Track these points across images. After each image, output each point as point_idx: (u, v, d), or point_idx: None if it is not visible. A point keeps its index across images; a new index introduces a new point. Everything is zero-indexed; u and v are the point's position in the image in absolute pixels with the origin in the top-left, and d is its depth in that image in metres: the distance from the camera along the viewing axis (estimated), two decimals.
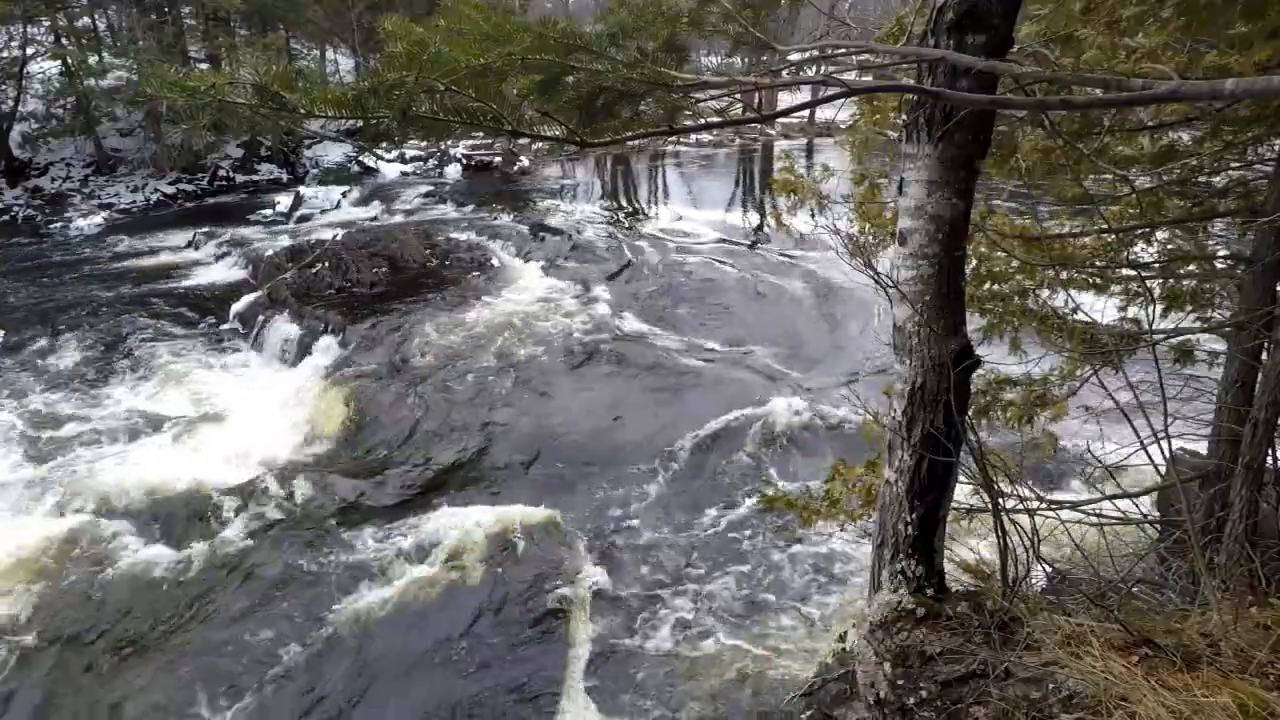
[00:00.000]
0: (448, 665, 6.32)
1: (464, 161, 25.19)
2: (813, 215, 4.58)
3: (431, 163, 25.41)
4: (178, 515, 8.10)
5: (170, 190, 22.14)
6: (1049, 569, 2.90)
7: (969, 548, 2.95)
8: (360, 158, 25.39)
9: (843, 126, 5.52)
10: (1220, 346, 4.67)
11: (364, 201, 20.95)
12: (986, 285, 4.93)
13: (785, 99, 16.69)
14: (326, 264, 14.31)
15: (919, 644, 2.37)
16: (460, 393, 10.31)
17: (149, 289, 14.83)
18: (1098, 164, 3.67)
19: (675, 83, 2.21)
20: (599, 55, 2.18)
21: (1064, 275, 4.77)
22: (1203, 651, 2.08)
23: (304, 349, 11.93)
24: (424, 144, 22.96)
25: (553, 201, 20.70)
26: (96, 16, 25.18)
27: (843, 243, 3.78)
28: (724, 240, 16.89)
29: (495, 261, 15.02)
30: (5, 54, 21.54)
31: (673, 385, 10.20)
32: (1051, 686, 2.06)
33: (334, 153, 25.53)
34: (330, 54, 29.40)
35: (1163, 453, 3.04)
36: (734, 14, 2.43)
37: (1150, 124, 3.99)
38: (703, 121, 2.56)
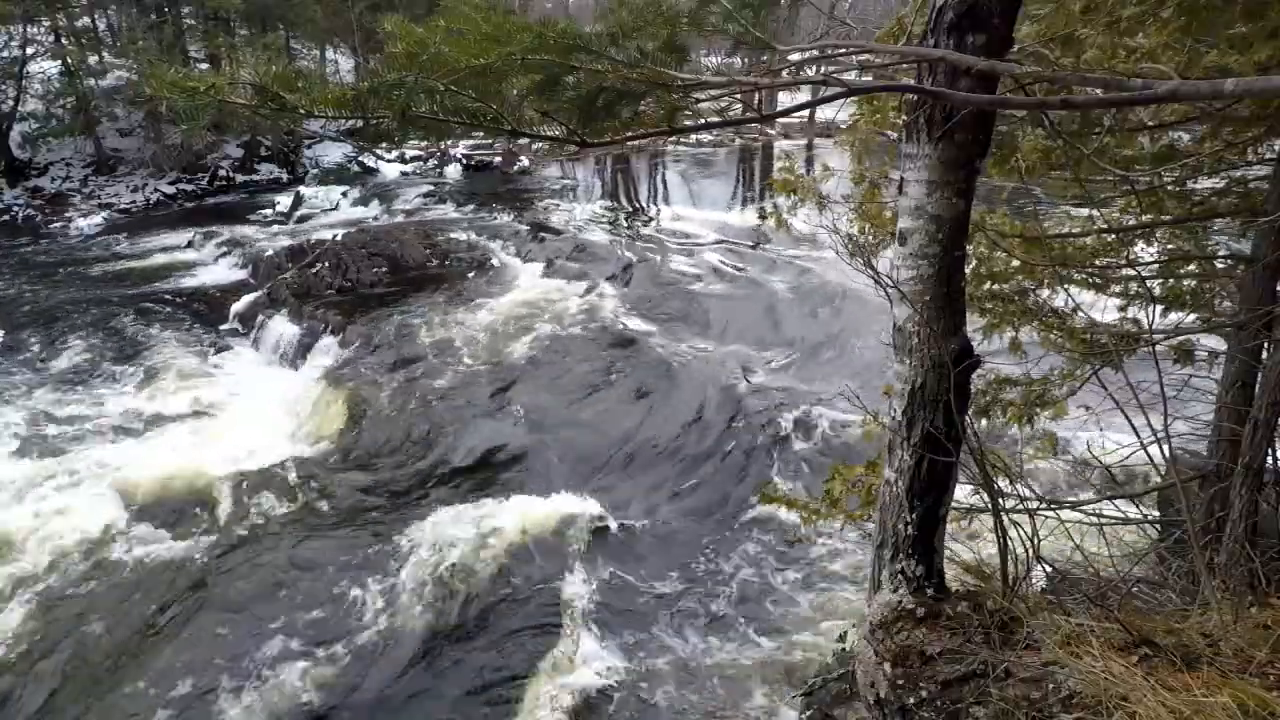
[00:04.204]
0: (446, 662, 6.32)
1: (464, 161, 25.19)
2: (813, 215, 4.58)
3: (431, 163, 25.41)
4: (177, 513, 8.10)
5: (170, 190, 22.14)
6: (1049, 569, 2.90)
7: (969, 548, 2.95)
8: (360, 158, 25.38)
9: (843, 126, 5.51)
10: (1220, 346, 4.67)
11: (364, 201, 20.96)
12: (986, 285, 4.93)
13: (785, 99, 16.70)
14: (326, 264, 14.32)
15: (919, 644, 2.37)
16: (460, 392, 10.31)
17: (149, 289, 14.84)
18: (1098, 164, 3.67)
19: (675, 83, 2.21)
20: (599, 55, 2.17)
21: (1064, 275, 4.76)
22: (1203, 651, 2.07)
23: (304, 349, 11.93)
24: (424, 144, 22.95)
25: (553, 201, 20.70)
26: (96, 16, 25.19)
27: (843, 243, 3.78)
28: (724, 240, 16.90)
29: (495, 261, 15.03)
30: (5, 54, 21.53)
31: (673, 385, 10.20)
32: (1051, 686, 2.06)
33: (334, 153, 25.53)
34: (330, 54, 29.39)
35: (1163, 453, 3.04)
36: (734, 14, 2.42)
37: (1150, 124, 3.99)
38: (703, 121, 2.56)
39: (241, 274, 15.55)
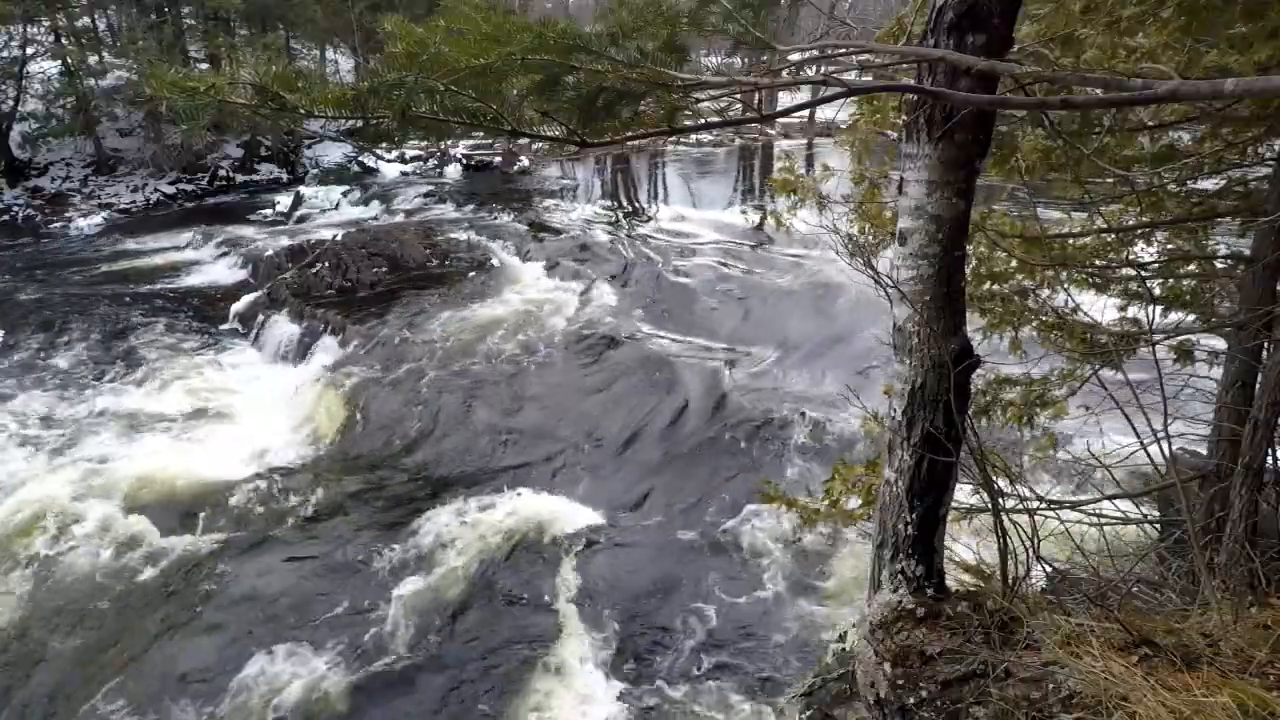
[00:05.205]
0: (440, 661, 6.32)
1: (464, 161, 25.20)
2: (813, 215, 4.58)
3: (431, 163, 25.42)
4: (176, 512, 8.11)
5: (170, 190, 22.15)
6: (1049, 569, 2.90)
7: (969, 548, 2.95)
8: (360, 158, 25.39)
9: (843, 126, 5.51)
10: (1220, 346, 4.67)
11: (364, 201, 20.96)
12: (986, 285, 4.92)
13: (785, 99, 16.68)
14: (326, 264, 14.32)
15: (919, 644, 2.37)
16: (459, 392, 10.31)
17: (149, 289, 14.84)
18: (1098, 164, 3.67)
19: (675, 83, 2.21)
20: (599, 55, 2.17)
21: (1064, 275, 4.76)
22: (1203, 651, 2.07)
23: (304, 348, 11.94)
24: (424, 144, 22.97)
25: (553, 201, 20.70)
26: (96, 16, 25.20)
27: (843, 243, 3.78)
28: (724, 240, 16.90)
29: (495, 261, 15.03)
30: (5, 54, 21.54)
31: (672, 385, 10.20)
32: (1051, 686, 2.06)
33: (334, 153, 25.54)
34: (330, 54, 29.40)
35: (1163, 453, 3.04)
36: (734, 14, 2.42)
37: (1150, 124, 3.99)
38: (703, 121, 2.56)
39: (241, 274, 15.56)
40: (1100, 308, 4.88)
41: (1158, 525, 4.40)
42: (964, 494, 2.92)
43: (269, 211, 20.56)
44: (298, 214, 20.11)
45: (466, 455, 9.21)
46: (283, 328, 12.52)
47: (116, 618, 6.75)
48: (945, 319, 2.36)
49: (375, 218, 19.39)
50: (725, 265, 14.97)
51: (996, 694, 2.11)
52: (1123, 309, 5.18)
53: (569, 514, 8.06)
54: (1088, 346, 4.64)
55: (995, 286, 4.95)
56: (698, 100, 2.37)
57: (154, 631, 6.61)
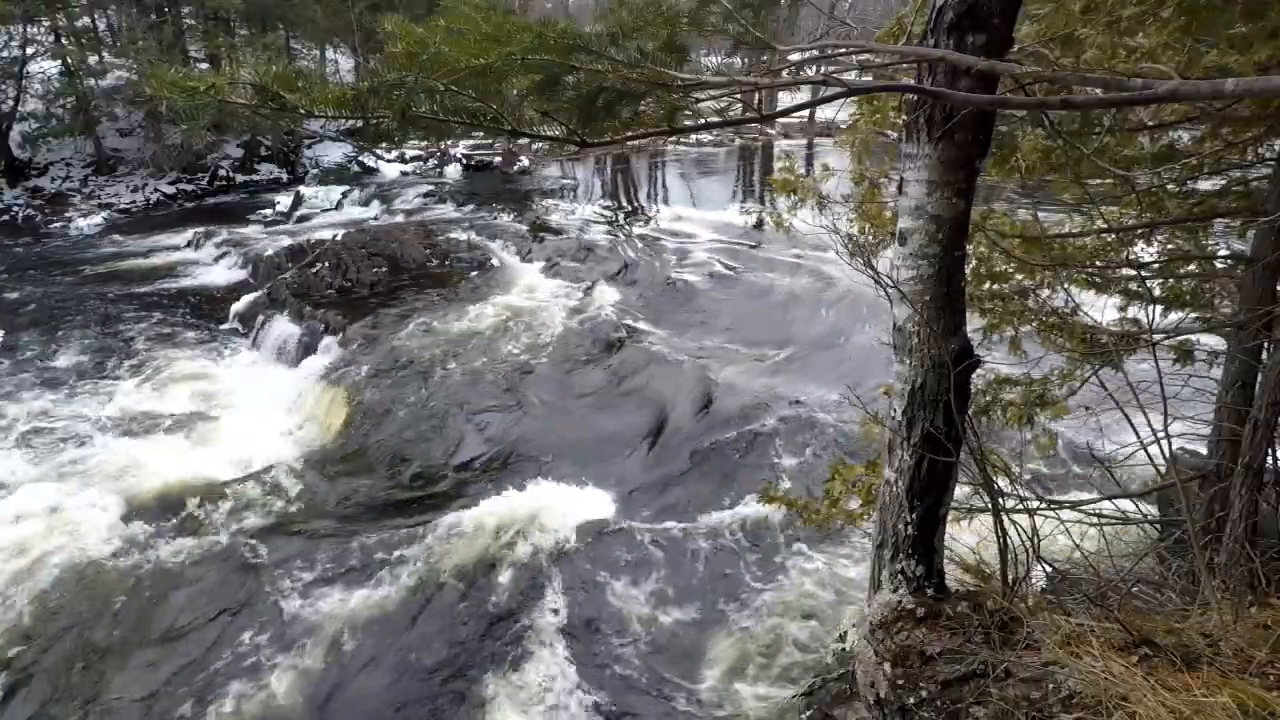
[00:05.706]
0: (439, 662, 6.32)
1: (464, 161, 25.21)
2: (813, 215, 4.58)
3: (431, 163, 25.43)
4: (175, 513, 8.10)
5: (170, 190, 22.14)
6: (1049, 569, 2.90)
7: (969, 548, 2.95)
8: (360, 158, 25.40)
9: (843, 126, 5.51)
10: (1220, 346, 4.67)
11: (364, 201, 20.97)
12: (986, 285, 4.93)
13: (785, 99, 16.68)
14: (326, 264, 14.32)
15: (919, 644, 2.37)
16: (459, 392, 10.31)
17: (149, 289, 14.84)
18: (1098, 164, 3.67)
19: (675, 83, 2.21)
20: (599, 55, 2.17)
21: (1064, 275, 4.76)
22: (1203, 651, 2.08)
23: (304, 349, 11.93)
24: (424, 144, 22.97)
25: (553, 201, 20.71)
26: (96, 16, 25.19)
27: (843, 243, 3.79)
28: (724, 240, 16.90)
29: (495, 261, 15.03)
30: (5, 54, 21.53)
31: (671, 385, 10.20)
32: (1051, 686, 2.06)
33: (334, 153, 25.53)
34: (330, 54, 29.40)
35: (1163, 453, 3.04)
36: (734, 14, 2.42)
37: (1150, 124, 3.99)
38: (703, 121, 2.56)
39: (241, 274, 15.55)
40: (1100, 308, 4.89)
41: (1158, 525, 4.40)
42: (964, 494, 2.92)
43: (269, 211, 20.56)
44: (298, 214, 20.11)
45: (464, 454, 9.21)
46: (282, 328, 12.51)
47: (112, 618, 6.74)
48: (945, 319, 2.36)
49: (375, 218, 19.39)
50: (724, 265, 14.97)
51: (996, 694, 2.11)
52: (1123, 309, 5.19)
53: (566, 513, 8.04)
54: (1088, 346, 4.64)
55: (995, 286, 4.95)
56: (698, 100, 2.37)
57: (148, 632, 6.61)
